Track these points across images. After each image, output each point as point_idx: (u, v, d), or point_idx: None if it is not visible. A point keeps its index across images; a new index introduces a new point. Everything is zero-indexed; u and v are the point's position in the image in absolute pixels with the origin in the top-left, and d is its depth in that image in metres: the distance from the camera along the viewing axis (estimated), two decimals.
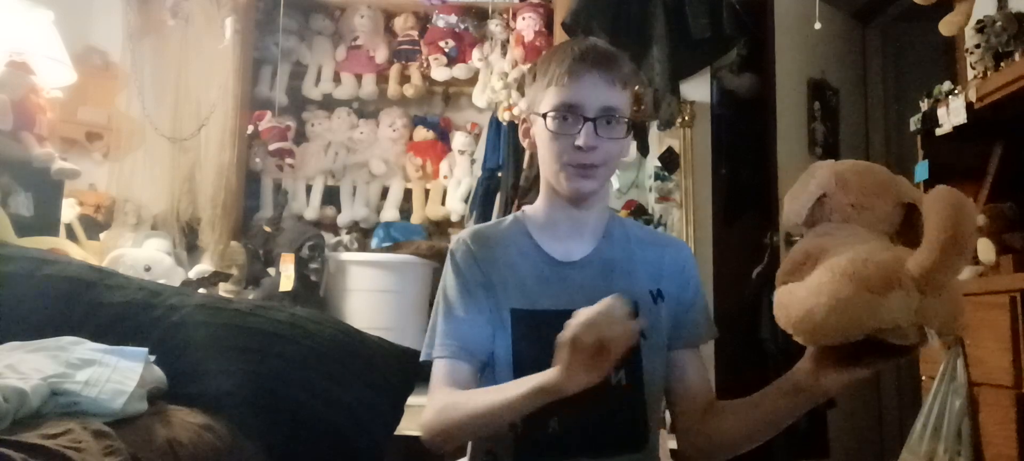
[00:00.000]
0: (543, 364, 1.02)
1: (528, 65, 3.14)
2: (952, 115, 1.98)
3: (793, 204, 1.05)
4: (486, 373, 1.17)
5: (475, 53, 3.27)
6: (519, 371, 1.10)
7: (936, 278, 0.85)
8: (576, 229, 1.21)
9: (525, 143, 1.25)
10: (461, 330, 1.16)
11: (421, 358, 1.22)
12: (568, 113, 1.13)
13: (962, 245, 0.84)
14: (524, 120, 1.24)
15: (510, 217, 1.29)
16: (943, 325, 0.88)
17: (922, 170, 2.16)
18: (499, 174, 3.14)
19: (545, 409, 1.04)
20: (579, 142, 1.11)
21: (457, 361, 1.15)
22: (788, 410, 1.05)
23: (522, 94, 3.14)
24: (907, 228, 0.98)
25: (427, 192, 3.30)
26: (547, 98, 1.15)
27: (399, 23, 3.38)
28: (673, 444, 1.34)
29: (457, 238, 1.25)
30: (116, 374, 1.18)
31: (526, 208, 1.28)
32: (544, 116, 1.14)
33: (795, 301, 0.92)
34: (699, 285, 1.26)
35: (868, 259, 0.88)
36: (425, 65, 3.30)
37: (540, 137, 1.18)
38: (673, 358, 1.20)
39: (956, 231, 0.84)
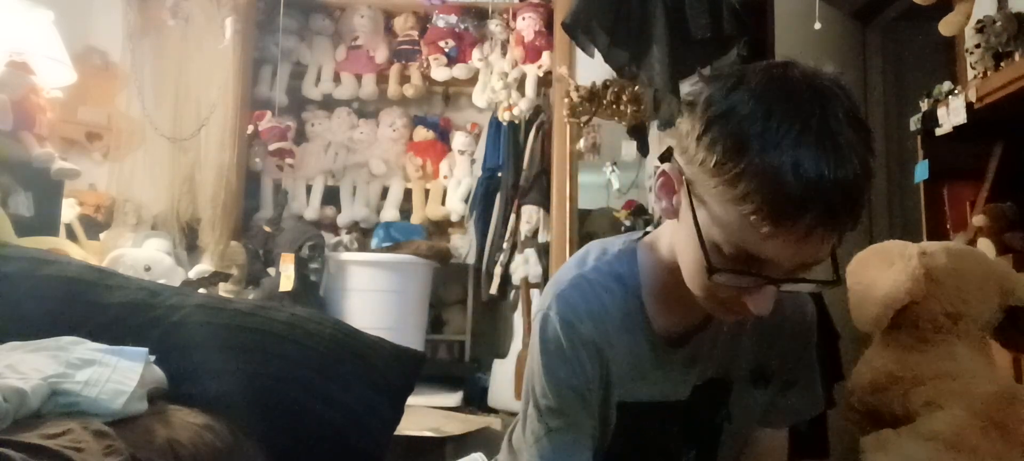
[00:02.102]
0: (623, 447, 0.94)
1: (528, 69, 3.14)
2: (952, 115, 1.97)
3: (871, 308, 0.85)
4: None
5: (475, 53, 3.27)
6: (611, 456, 0.96)
7: None
8: (695, 309, 0.88)
9: (660, 206, 0.85)
10: (580, 408, 0.91)
11: (532, 434, 0.94)
12: (746, 267, 0.74)
13: None
14: (667, 173, 0.82)
15: (626, 260, 0.94)
16: None
17: (922, 170, 2.16)
18: (499, 174, 3.14)
19: None
20: (751, 306, 0.76)
21: (580, 434, 0.92)
22: None
23: (522, 94, 3.15)
24: (1009, 325, 0.83)
25: (427, 192, 3.30)
26: (724, 213, 0.73)
27: (399, 23, 3.38)
28: None
29: (566, 303, 0.90)
30: (116, 374, 1.18)
31: (648, 247, 0.94)
32: (708, 249, 0.75)
33: None
34: (813, 360, 1.01)
35: (980, 425, 0.73)
36: (425, 65, 3.30)
37: (687, 230, 0.79)
38: (755, 433, 1.02)
39: None
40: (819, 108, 0.70)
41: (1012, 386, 0.78)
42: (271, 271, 2.91)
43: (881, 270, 0.86)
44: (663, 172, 0.83)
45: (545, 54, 3.13)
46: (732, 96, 0.72)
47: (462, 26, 3.32)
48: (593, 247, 0.98)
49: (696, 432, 0.98)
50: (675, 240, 0.86)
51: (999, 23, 1.92)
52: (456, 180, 3.27)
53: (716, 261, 0.74)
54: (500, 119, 3.14)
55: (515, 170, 3.10)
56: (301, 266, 2.83)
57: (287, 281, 2.75)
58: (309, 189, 3.29)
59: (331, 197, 3.31)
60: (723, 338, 0.94)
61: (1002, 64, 1.90)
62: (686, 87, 2.99)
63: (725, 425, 0.98)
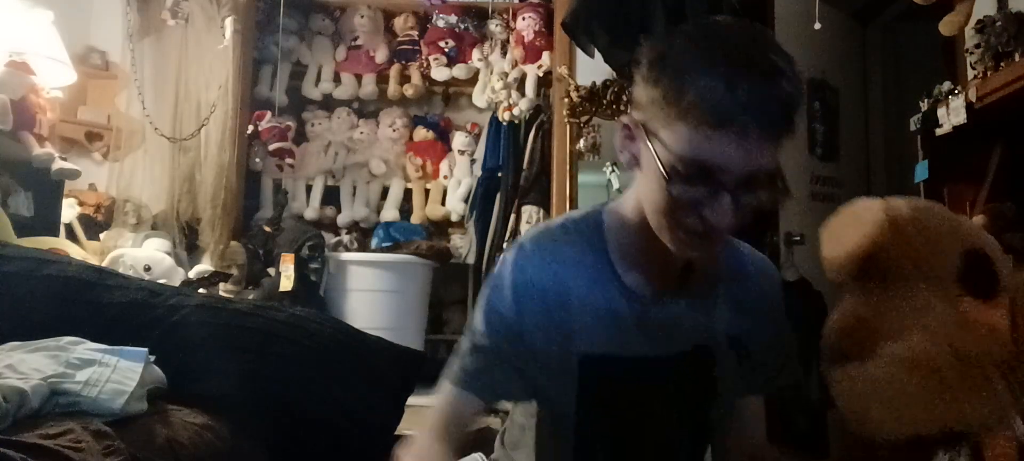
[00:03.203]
0: (611, 419, 0.95)
1: (528, 69, 3.14)
2: (952, 115, 1.97)
3: (837, 253, 0.89)
4: (545, 419, 1.01)
5: (475, 53, 3.27)
6: (584, 424, 0.96)
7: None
8: (665, 262, 0.93)
9: (623, 155, 0.90)
10: (501, 373, 0.94)
11: (444, 375, 0.99)
12: (702, 177, 0.79)
13: None
14: (627, 125, 0.88)
15: (590, 221, 0.99)
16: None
17: (922, 170, 2.16)
18: (499, 174, 3.14)
19: (602, 450, 0.98)
20: (708, 216, 0.80)
21: (466, 391, 0.95)
22: None
23: (522, 94, 3.15)
24: (971, 274, 0.85)
25: (427, 192, 3.30)
26: (675, 136, 0.79)
27: (399, 23, 3.38)
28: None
29: (521, 250, 0.96)
30: (116, 374, 1.18)
31: (612, 210, 0.99)
32: (666, 174, 0.80)
33: (856, 393, 0.81)
34: (781, 321, 1.04)
35: (942, 351, 0.76)
36: (425, 65, 3.30)
37: (649, 166, 0.84)
38: (737, 403, 1.04)
39: None
40: (747, 36, 0.81)
41: (973, 316, 0.80)
42: (271, 271, 2.91)
43: (849, 224, 0.90)
44: (623, 125, 0.89)
45: (545, 54, 3.13)
46: (670, 42, 0.83)
47: (462, 26, 3.32)
48: (562, 216, 1.04)
49: (686, 408, 0.99)
50: (640, 189, 0.91)
51: (999, 23, 1.92)
52: (456, 180, 3.27)
53: (674, 181, 0.80)
54: (500, 119, 3.14)
55: (515, 170, 3.10)
56: (301, 266, 2.83)
57: (287, 281, 2.76)
58: (309, 189, 3.29)
59: (331, 197, 3.31)
60: (698, 304, 0.97)
61: (1002, 64, 1.90)
62: None
63: (713, 402, 0.99)
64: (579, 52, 2.68)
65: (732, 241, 1.03)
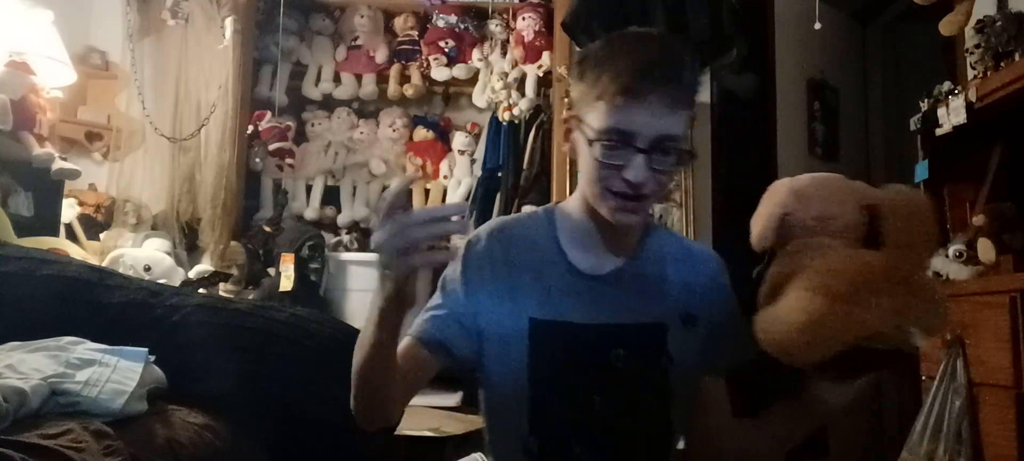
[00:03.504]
0: (564, 379, 1.02)
1: (528, 69, 3.14)
2: (952, 115, 1.98)
3: (757, 227, 1.03)
4: (497, 388, 1.09)
5: (475, 53, 3.27)
6: (537, 385, 1.04)
7: (904, 277, 0.85)
8: (609, 240, 1.10)
9: (565, 147, 1.10)
10: (445, 323, 1.06)
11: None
12: (618, 141, 0.98)
13: (923, 239, 0.85)
14: (567, 120, 1.08)
15: (541, 212, 1.16)
16: (923, 323, 0.86)
17: (922, 170, 2.16)
18: (499, 174, 3.14)
19: (569, 429, 1.04)
20: (628, 176, 0.98)
21: (421, 346, 1.05)
22: (796, 430, 1.04)
23: (522, 94, 3.15)
24: (874, 232, 0.97)
25: (427, 192, 3.30)
26: (595, 114, 0.99)
27: (399, 23, 3.38)
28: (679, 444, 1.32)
29: (478, 232, 1.12)
30: (116, 374, 1.18)
31: (562, 205, 1.16)
32: (590, 142, 1.00)
33: (772, 324, 0.91)
34: (731, 301, 1.15)
35: (834, 269, 0.88)
36: (425, 65, 3.30)
37: (582, 149, 1.03)
38: (701, 386, 1.12)
39: (916, 227, 0.85)
40: (649, 35, 1.06)
41: (855, 255, 0.92)
42: (271, 271, 2.91)
43: (765, 201, 1.04)
44: (563, 121, 1.10)
45: (545, 54, 3.13)
46: (587, 48, 1.08)
47: (462, 26, 3.32)
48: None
49: (645, 375, 1.07)
50: (580, 176, 1.09)
51: (999, 23, 1.92)
52: (456, 180, 3.26)
53: (596, 146, 0.99)
54: (500, 119, 3.14)
55: (515, 170, 3.10)
56: (301, 266, 2.83)
57: (287, 281, 2.75)
58: (309, 189, 3.29)
59: (331, 197, 3.31)
60: (648, 283, 1.10)
61: (1002, 64, 1.90)
62: None
63: (669, 367, 1.07)
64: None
65: (678, 235, 1.28)
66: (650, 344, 1.07)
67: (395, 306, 0.93)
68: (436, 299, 1.10)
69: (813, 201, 0.98)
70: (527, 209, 3.01)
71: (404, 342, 1.05)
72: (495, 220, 1.17)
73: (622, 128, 0.98)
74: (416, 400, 1.52)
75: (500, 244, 1.10)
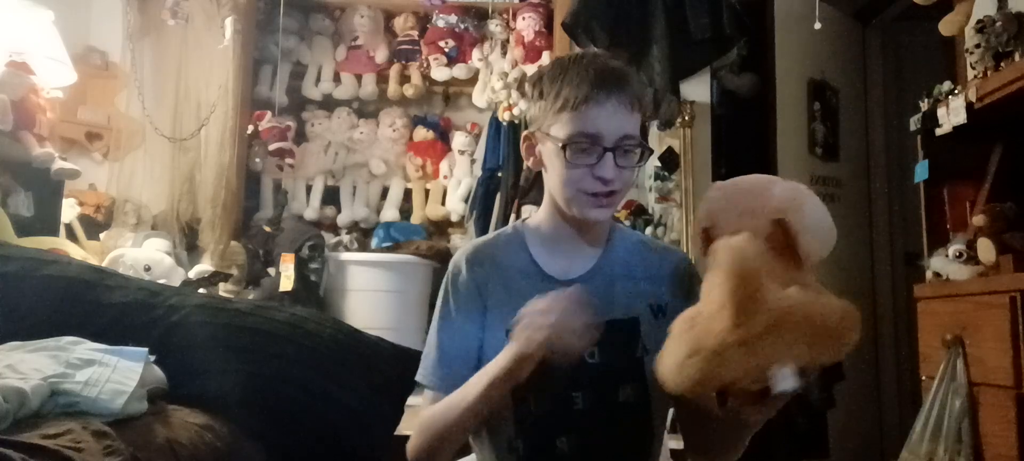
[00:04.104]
0: (543, 383, 1.07)
1: (528, 69, 3.15)
2: (952, 115, 1.98)
3: (693, 231, 1.09)
4: None
5: (475, 53, 3.27)
6: (518, 390, 1.09)
7: (738, 332, 0.83)
8: (578, 246, 1.19)
9: (529, 162, 1.20)
10: (446, 361, 1.17)
11: (417, 377, 1.22)
12: (587, 142, 1.09)
13: (746, 294, 0.82)
14: (528, 137, 1.19)
15: (510, 228, 1.26)
16: (782, 361, 0.83)
17: (922, 170, 2.16)
18: (499, 174, 3.14)
19: (553, 428, 1.10)
20: (601, 173, 1.09)
21: (438, 392, 1.16)
22: (749, 428, 1.05)
23: (522, 94, 3.14)
24: (777, 238, 0.96)
25: (427, 192, 3.30)
26: (561, 124, 1.10)
27: (399, 23, 3.38)
28: (674, 444, 1.34)
29: (456, 259, 1.22)
30: (116, 374, 1.18)
31: (528, 220, 1.26)
32: (562, 146, 1.10)
33: (658, 362, 0.92)
34: (697, 290, 1.22)
35: (693, 318, 0.88)
36: (425, 65, 3.30)
37: (550, 159, 1.14)
38: None
39: (738, 282, 0.83)
40: (593, 54, 1.20)
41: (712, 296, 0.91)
42: (271, 271, 2.90)
43: (699, 205, 1.09)
44: (524, 138, 1.20)
45: (545, 54, 3.13)
46: (538, 71, 1.20)
47: (462, 26, 3.32)
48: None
49: (622, 368, 1.14)
50: (547, 187, 1.19)
51: (999, 23, 1.92)
52: (456, 180, 3.26)
53: (568, 150, 1.09)
54: (500, 119, 3.14)
55: (515, 170, 3.10)
56: (301, 266, 2.83)
57: (287, 281, 2.75)
58: (309, 189, 3.29)
59: (331, 197, 3.31)
60: (617, 279, 1.18)
61: (1002, 64, 1.90)
62: (686, 87, 3.00)
63: (645, 358, 1.13)
64: None
65: (641, 233, 1.41)
66: (625, 338, 1.14)
67: (511, 384, 1.04)
68: (438, 340, 1.19)
69: (728, 215, 1.01)
70: (525, 210, 3.01)
71: (429, 393, 1.19)
72: (468, 245, 1.26)
73: (589, 131, 1.09)
74: (416, 400, 1.52)
75: (480, 267, 1.19)
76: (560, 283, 1.14)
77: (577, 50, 1.24)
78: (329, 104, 3.36)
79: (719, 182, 1.09)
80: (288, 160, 3.16)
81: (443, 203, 3.26)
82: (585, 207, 1.12)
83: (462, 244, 3.19)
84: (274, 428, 1.44)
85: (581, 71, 1.10)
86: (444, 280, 1.22)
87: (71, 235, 2.59)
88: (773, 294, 0.84)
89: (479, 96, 3.23)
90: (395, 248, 3.00)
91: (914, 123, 2.16)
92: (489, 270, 1.19)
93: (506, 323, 1.10)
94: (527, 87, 1.21)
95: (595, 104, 1.08)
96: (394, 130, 3.31)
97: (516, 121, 3.14)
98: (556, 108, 1.11)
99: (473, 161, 3.29)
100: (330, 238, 3.11)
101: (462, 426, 1.11)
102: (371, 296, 2.82)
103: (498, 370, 1.04)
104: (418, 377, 1.21)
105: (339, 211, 3.27)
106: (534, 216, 1.25)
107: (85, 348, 1.24)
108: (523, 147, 1.20)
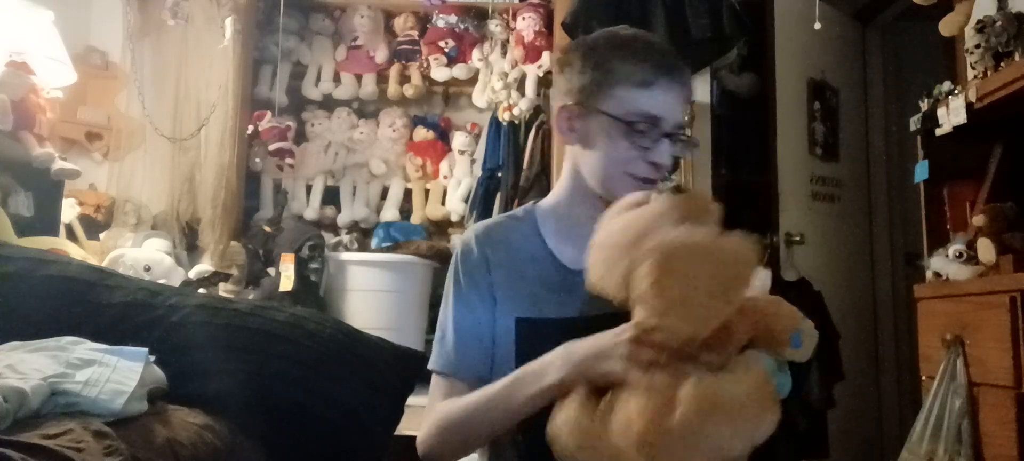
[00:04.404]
0: None
1: (528, 69, 3.14)
2: (952, 115, 1.97)
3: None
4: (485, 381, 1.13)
5: (475, 53, 3.27)
6: None
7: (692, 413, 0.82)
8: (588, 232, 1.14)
9: (570, 136, 1.12)
10: (462, 345, 1.12)
11: (429, 365, 1.18)
12: (647, 125, 1.03)
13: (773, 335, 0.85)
14: (567, 109, 1.10)
15: (522, 211, 1.21)
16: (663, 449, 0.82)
17: (922, 170, 2.16)
18: (499, 174, 3.14)
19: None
20: (655, 158, 1.04)
21: (455, 379, 1.12)
22: None
23: (522, 94, 3.15)
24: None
25: (427, 192, 3.30)
26: (618, 100, 1.04)
27: (399, 23, 3.38)
28: None
29: (465, 238, 1.17)
30: (116, 374, 1.18)
31: (541, 203, 1.20)
32: (625, 124, 1.03)
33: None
34: None
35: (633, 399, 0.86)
36: (425, 65, 3.30)
37: (597, 135, 1.07)
38: None
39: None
40: (643, 32, 1.13)
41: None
42: (271, 271, 2.90)
43: None
44: (561, 109, 1.11)
45: (545, 54, 3.13)
46: (588, 41, 1.11)
47: (462, 26, 3.32)
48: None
49: None
50: (580, 163, 1.11)
51: (999, 23, 1.92)
52: (456, 180, 3.26)
53: (631, 130, 1.03)
54: (500, 119, 3.14)
55: (515, 170, 3.10)
56: (301, 266, 2.83)
57: (287, 281, 2.75)
58: (309, 189, 3.29)
59: (331, 197, 3.31)
60: None
61: (1002, 64, 1.90)
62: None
63: None
64: None
65: None
66: None
67: (548, 400, 0.96)
68: (454, 322, 1.14)
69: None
70: (513, 211, 3.02)
71: (444, 381, 1.13)
72: (479, 225, 1.20)
73: (653, 113, 1.04)
74: (416, 400, 1.52)
75: (491, 248, 1.14)
76: (573, 272, 1.08)
77: (617, 27, 1.13)
78: (329, 104, 3.36)
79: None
80: (288, 160, 3.16)
81: (443, 203, 3.26)
82: (626, 191, 1.03)
83: None
84: (274, 428, 1.43)
85: (645, 49, 1.05)
86: (452, 261, 1.17)
87: (71, 235, 2.59)
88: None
89: (479, 96, 3.23)
90: (395, 248, 3.00)
91: (914, 123, 2.16)
92: (500, 251, 1.14)
93: (516, 310, 1.07)
94: (572, 55, 1.11)
95: (661, 87, 1.04)
96: (394, 130, 3.31)
97: (516, 121, 3.14)
98: (608, 80, 1.04)
99: (473, 161, 3.29)
100: (330, 238, 3.11)
101: (497, 429, 1.05)
102: (371, 296, 2.82)
103: (553, 381, 0.96)
104: (431, 366, 1.16)
105: (339, 211, 3.27)
106: (546, 200, 1.19)
107: (85, 348, 1.24)
108: (560, 118, 1.12)
